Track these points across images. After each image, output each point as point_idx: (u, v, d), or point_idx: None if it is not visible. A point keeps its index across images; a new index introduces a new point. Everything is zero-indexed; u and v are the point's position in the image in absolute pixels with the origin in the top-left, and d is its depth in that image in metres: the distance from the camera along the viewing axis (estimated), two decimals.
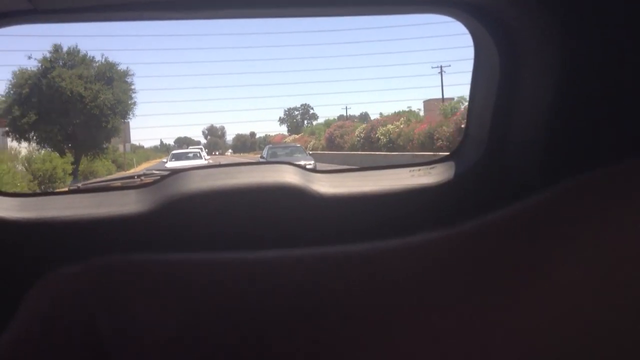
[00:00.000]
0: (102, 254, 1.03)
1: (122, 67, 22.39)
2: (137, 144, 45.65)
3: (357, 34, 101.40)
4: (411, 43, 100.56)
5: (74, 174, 18.80)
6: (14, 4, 1.05)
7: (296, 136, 38.27)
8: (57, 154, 18.33)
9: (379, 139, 20.60)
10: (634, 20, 1.02)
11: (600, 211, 0.76)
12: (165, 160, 22.54)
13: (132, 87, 22.24)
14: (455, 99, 23.46)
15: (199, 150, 22.67)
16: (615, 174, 0.78)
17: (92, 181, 2.06)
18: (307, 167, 1.37)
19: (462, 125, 15.28)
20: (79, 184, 1.71)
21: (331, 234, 1.12)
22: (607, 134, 1.10)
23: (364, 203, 1.24)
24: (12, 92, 20.60)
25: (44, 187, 15.77)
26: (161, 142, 70.08)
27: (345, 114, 55.12)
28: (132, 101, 22.18)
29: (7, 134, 20.71)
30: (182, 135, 76.31)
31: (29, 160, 16.85)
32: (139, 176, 1.71)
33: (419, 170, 1.34)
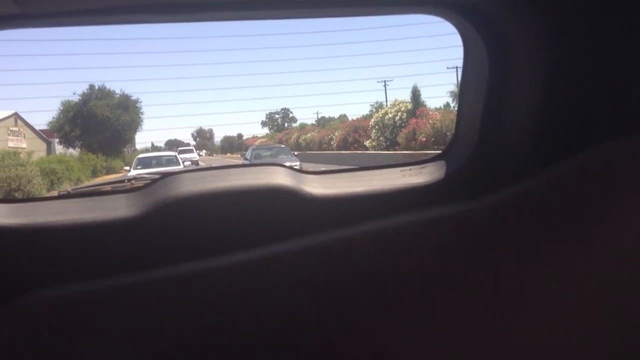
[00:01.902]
0: (94, 259, 1.11)
1: (134, 98, 34.75)
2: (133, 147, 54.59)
3: (334, 36, 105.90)
4: (398, 44, 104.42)
5: (107, 168, 29.78)
6: (1, 8, 1.03)
7: (263, 140, 48.09)
8: (95, 156, 28.89)
9: (301, 143, 31.91)
10: (620, 19, 1.05)
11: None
12: (128, 168, 18.15)
13: (141, 110, 34.48)
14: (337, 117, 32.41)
15: (175, 155, 19.93)
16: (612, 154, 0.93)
17: (83, 186, 2.85)
18: (294, 167, 1.39)
19: (332, 135, 25.94)
20: (69, 189, 1.61)
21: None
22: (596, 132, 1.11)
23: (356, 203, 1.24)
24: (62, 115, 32.03)
25: (94, 175, 26.35)
26: (152, 144, 72.44)
27: (317, 117, 63.35)
28: (141, 119, 33.87)
29: (59, 143, 32.04)
30: (172, 137, 79.99)
31: (81, 159, 27.40)
32: (129, 180, 1.65)
33: (410, 170, 1.34)
